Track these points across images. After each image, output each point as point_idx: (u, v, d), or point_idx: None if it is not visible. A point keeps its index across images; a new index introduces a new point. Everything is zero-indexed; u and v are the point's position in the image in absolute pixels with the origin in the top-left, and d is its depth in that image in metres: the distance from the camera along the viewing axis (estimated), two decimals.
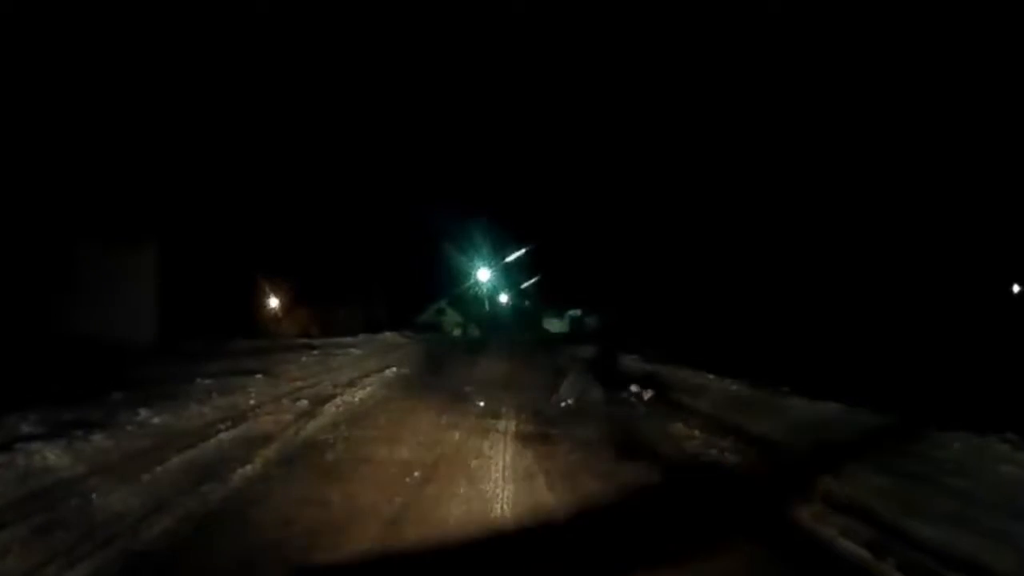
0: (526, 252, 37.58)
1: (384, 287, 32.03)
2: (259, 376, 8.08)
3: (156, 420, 5.17)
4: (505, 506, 3.53)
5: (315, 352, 12.59)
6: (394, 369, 10.85)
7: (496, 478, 4.13)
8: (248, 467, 4.17)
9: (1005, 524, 3.17)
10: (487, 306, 44.45)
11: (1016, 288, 23.99)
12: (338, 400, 7.13)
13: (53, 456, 3.92)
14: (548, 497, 3.77)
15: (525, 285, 45.54)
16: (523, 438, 5.47)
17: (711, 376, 9.55)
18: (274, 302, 26.02)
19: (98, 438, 4.37)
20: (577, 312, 47.21)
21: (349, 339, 16.35)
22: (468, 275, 40.45)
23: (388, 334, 18.94)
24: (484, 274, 40.98)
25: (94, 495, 3.36)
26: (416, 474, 4.16)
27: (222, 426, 5.27)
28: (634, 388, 8.22)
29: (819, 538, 3.27)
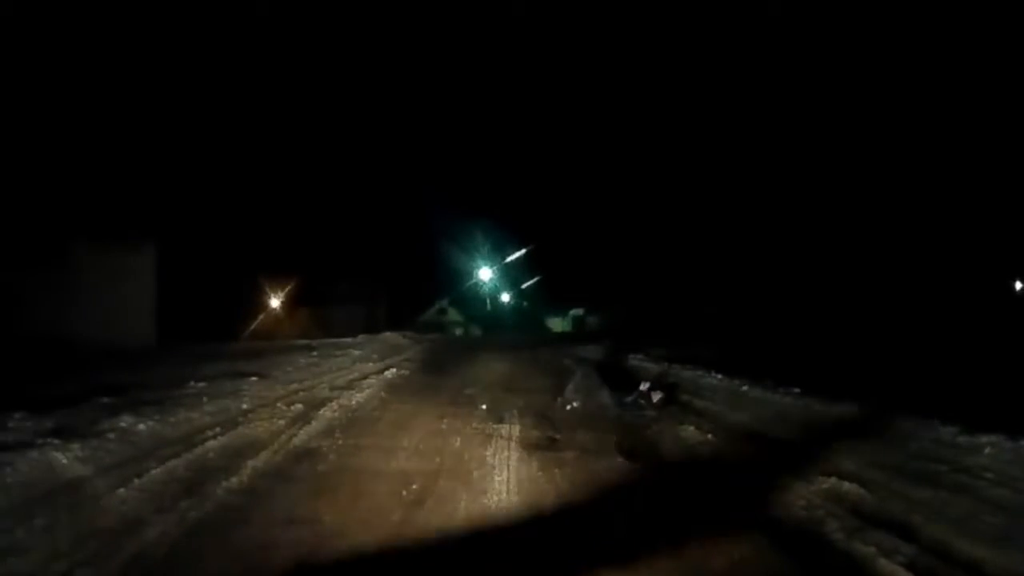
0: (527, 251, 37.29)
1: (385, 287, 31.85)
2: (254, 379, 7.81)
3: (141, 427, 4.89)
4: (512, 525, 3.24)
5: (314, 353, 12.31)
6: (394, 370, 10.57)
7: (500, 490, 3.85)
8: (233, 479, 3.88)
9: None
10: (489, 306, 44.16)
11: (1019, 285, 23.76)
12: (334, 404, 6.85)
13: (24, 468, 3.65)
14: (556, 513, 3.48)
15: (527, 284, 45.21)
16: (528, 445, 5.18)
17: (720, 376, 9.25)
18: (274, 302, 25.90)
19: (75, 447, 4.09)
20: (579, 311, 46.86)
21: (349, 340, 16.07)
22: (469, 274, 40.19)
23: (389, 334, 18.62)
24: (486, 273, 40.71)
25: (56, 514, 3.08)
26: (414, 486, 3.88)
27: (210, 433, 5.00)
28: (642, 390, 7.90)
29: (854, 558, 2.98)
